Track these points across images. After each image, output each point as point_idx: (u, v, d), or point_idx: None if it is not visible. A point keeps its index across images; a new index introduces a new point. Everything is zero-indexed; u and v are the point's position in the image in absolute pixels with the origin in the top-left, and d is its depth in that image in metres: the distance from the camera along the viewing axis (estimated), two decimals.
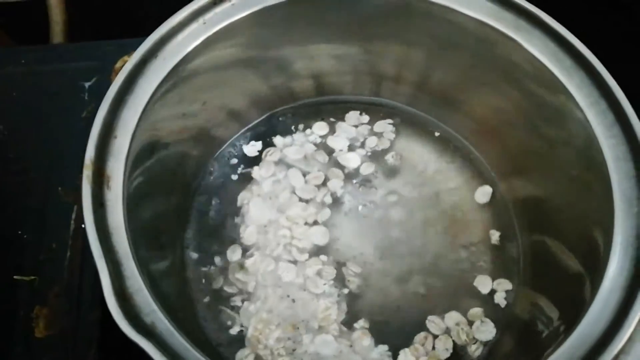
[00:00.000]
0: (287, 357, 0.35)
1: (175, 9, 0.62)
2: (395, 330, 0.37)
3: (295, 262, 0.38)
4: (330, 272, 0.38)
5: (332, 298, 0.37)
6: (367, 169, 0.43)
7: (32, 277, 0.43)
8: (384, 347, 0.36)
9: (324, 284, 0.38)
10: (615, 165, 0.29)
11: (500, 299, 0.38)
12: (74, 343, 0.40)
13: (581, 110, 0.31)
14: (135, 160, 0.30)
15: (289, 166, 0.42)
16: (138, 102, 0.30)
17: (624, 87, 0.31)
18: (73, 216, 0.45)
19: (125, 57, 0.52)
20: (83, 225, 0.44)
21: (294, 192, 0.41)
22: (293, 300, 0.37)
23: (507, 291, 0.38)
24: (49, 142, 0.48)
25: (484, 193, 0.41)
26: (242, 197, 0.41)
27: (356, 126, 0.44)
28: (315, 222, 0.40)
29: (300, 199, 0.41)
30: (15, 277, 0.43)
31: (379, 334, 0.37)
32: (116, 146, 0.28)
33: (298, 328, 0.36)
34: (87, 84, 0.52)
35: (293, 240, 0.39)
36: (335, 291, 0.38)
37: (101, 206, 0.26)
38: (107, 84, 0.50)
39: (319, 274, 0.38)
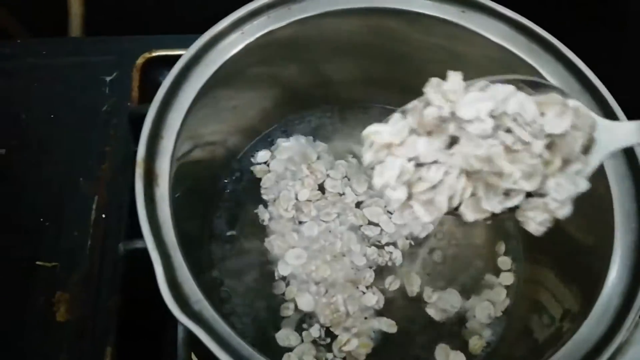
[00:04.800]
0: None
1: (191, 6, 0.64)
2: None
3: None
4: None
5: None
6: None
7: (54, 264, 0.44)
8: None
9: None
10: (617, 184, 0.32)
11: (501, 299, 0.41)
12: (93, 328, 0.42)
13: None
14: (177, 159, 0.32)
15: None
16: (182, 105, 0.32)
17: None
18: (94, 206, 0.47)
19: (146, 54, 0.54)
20: (104, 215, 0.46)
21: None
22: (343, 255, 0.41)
23: (507, 290, 0.41)
24: (70, 134, 0.50)
25: None
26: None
27: None
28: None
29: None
30: (37, 262, 0.44)
31: None
32: (162, 146, 0.30)
33: (358, 287, 0.39)
34: (108, 79, 0.53)
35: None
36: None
37: (151, 201, 0.28)
38: (128, 79, 0.52)
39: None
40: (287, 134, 0.46)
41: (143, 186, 0.28)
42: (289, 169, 0.45)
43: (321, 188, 0.45)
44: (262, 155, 0.46)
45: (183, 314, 0.25)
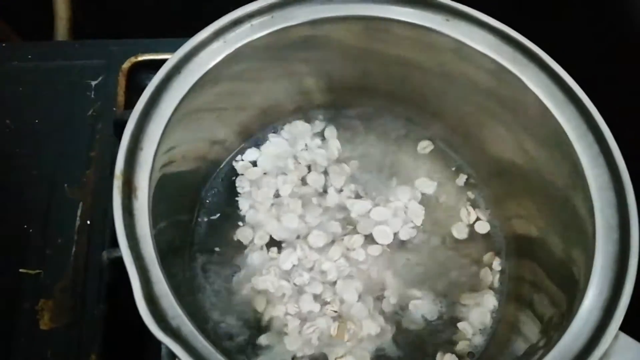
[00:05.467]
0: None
1: (177, 10, 0.64)
2: None
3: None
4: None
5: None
6: None
7: (38, 271, 0.44)
8: None
9: None
10: (598, 193, 0.32)
11: (485, 312, 0.40)
12: (79, 337, 0.42)
13: (570, 142, 0.34)
14: (157, 170, 0.31)
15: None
16: (162, 116, 0.32)
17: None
18: (78, 212, 0.47)
19: (132, 58, 0.53)
20: (89, 222, 0.46)
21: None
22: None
23: (493, 306, 0.41)
24: (55, 139, 0.50)
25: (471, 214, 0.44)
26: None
27: None
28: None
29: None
30: (20, 270, 0.44)
31: None
32: (142, 158, 0.30)
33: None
34: (93, 83, 0.53)
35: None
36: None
37: (130, 215, 0.28)
38: (114, 83, 0.52)
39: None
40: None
41: (121, 199, 0.28)
42: (276, 165, 0.44)
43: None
44: (250, 153, 0.45)
45: (160, 330, 0.25)
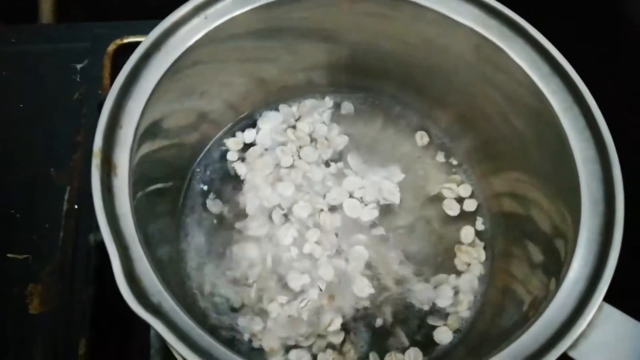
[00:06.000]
0: None
1: None
2: None
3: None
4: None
5: None
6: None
7: (26, 256, 0.44)
8: None
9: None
10: (584, 166, 0.32)
11: (472, 282, 0.40)
12: (68, 320, 0.42)
13: (556, 115, 0.33)
14: (139, 148, 0.31)
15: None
16: (142, 93, 0.31)
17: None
18: (66, 197, 0.47)
19: (118, 41, 0.53)
20: (76, 206, 0.46)
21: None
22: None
23: (478, 278, 0.41)
24: (40, 123, 0.49)
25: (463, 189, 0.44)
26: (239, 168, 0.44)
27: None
28: None
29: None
30: (8, 255, 0.44)
31: None
32: (122, 136, 0.30)
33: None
34: (78, 66, 0.53)
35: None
36: None
37: (109, 192, 0.28)
38: (100, 66, 0.52)
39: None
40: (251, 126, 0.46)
41: (100, 177, 0.27)
42: (275, 139, 0.44)
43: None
44: (248, 135, 0.45)
45: (140, 307, 0.24)
